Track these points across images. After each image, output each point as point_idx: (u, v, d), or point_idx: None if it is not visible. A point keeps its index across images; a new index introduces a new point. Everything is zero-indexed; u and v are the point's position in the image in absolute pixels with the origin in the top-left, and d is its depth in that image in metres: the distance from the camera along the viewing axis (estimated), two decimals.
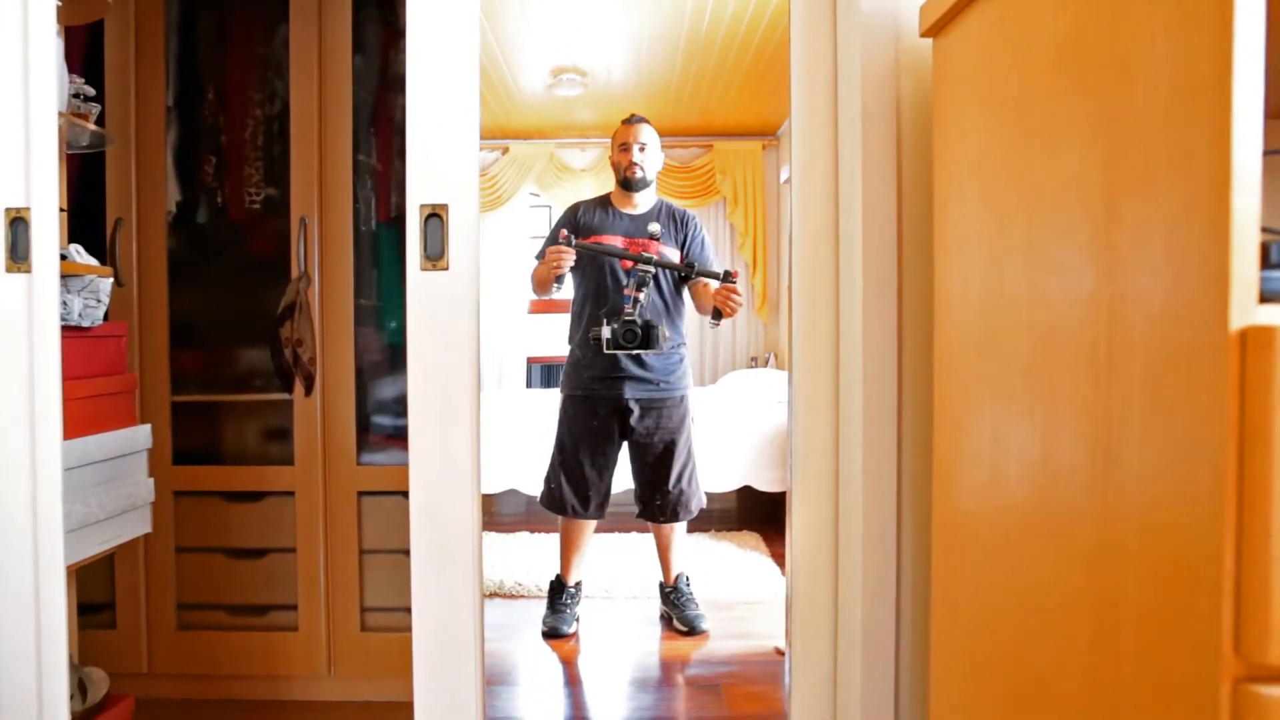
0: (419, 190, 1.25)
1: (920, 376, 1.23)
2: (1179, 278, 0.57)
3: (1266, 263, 0.57)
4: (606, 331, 2.32)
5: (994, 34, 0.88)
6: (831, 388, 1.35)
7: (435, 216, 1.23)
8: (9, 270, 1.24)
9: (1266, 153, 0.58)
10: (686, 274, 2.48)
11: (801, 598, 1.38)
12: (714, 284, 2.46)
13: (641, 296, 2.34)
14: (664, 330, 2.37)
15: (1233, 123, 0.53)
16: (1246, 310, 0.52)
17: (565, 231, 2.43)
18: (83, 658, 1.89)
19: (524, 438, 3.62)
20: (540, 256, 2.53)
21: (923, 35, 1.04)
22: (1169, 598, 0.58)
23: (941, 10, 0.97)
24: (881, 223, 1.21)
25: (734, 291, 2.34)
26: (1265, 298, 0.55)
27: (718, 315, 2.38)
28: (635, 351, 2.36)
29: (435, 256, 1.23)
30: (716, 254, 2.82)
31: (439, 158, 1.25)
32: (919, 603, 1.26)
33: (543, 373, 5.72)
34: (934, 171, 1.07)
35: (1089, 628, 0.70)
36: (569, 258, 2.40)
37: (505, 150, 5.63)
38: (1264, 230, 0.60)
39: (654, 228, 2.40)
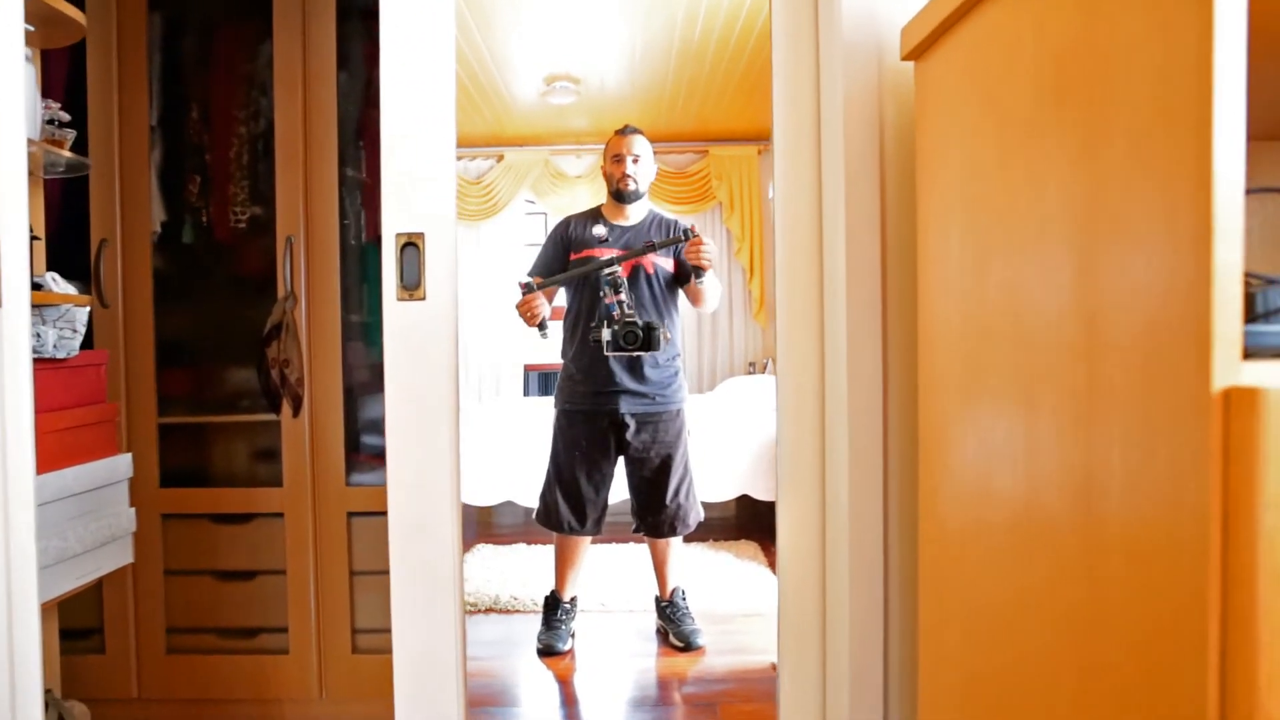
0: (394, 219, 1.22)
1: (906, 395, 1.21)
2: (1159, 332, 0.55)
3: (1251, 313, 0.54)
4: (607, 334, 2.29)
5: (974, 61, 0.85)
6: (817, 407, 1.32)
7: (411, 245, 1.20)
8: None
9: (1249, 191, 0.56)
10: (647, 251, 2.43)
11: (789, 616, 1.36)
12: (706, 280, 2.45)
13: (623, 297, 2.32)
14: (665, 331, 2.34)
15: (1213, 169, 0.50)
16: (1230, 369, 0.49)
17: (522, 282, 2.43)
18: (71, 684, 1.87)
19: (521, 448, 3.59)
20: (530, 274, 2.54)
21: (904, 59, 1.02)
22: (1154, 669, 0.56)
23: (922, 35, 0.94)
24: (865, 244, 1.18)
25: (700, 243, 2.36)
26: (1250, 353, 0.52)
27: (698, 273, 2.39)
28: (636, 353, 2.33)
29: (412, 286, 1.21)
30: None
31: (415, 186, 1.23)
32: (907, 623, 1.24)
33: (540, 380, 5.70)
34: (917, 197, 1.04)
35: (1073, 678, 0.67)
36: (539, 304, 2.41)
37: (500, 158, 5.60)
38: (1249, 277, 0.57)
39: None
